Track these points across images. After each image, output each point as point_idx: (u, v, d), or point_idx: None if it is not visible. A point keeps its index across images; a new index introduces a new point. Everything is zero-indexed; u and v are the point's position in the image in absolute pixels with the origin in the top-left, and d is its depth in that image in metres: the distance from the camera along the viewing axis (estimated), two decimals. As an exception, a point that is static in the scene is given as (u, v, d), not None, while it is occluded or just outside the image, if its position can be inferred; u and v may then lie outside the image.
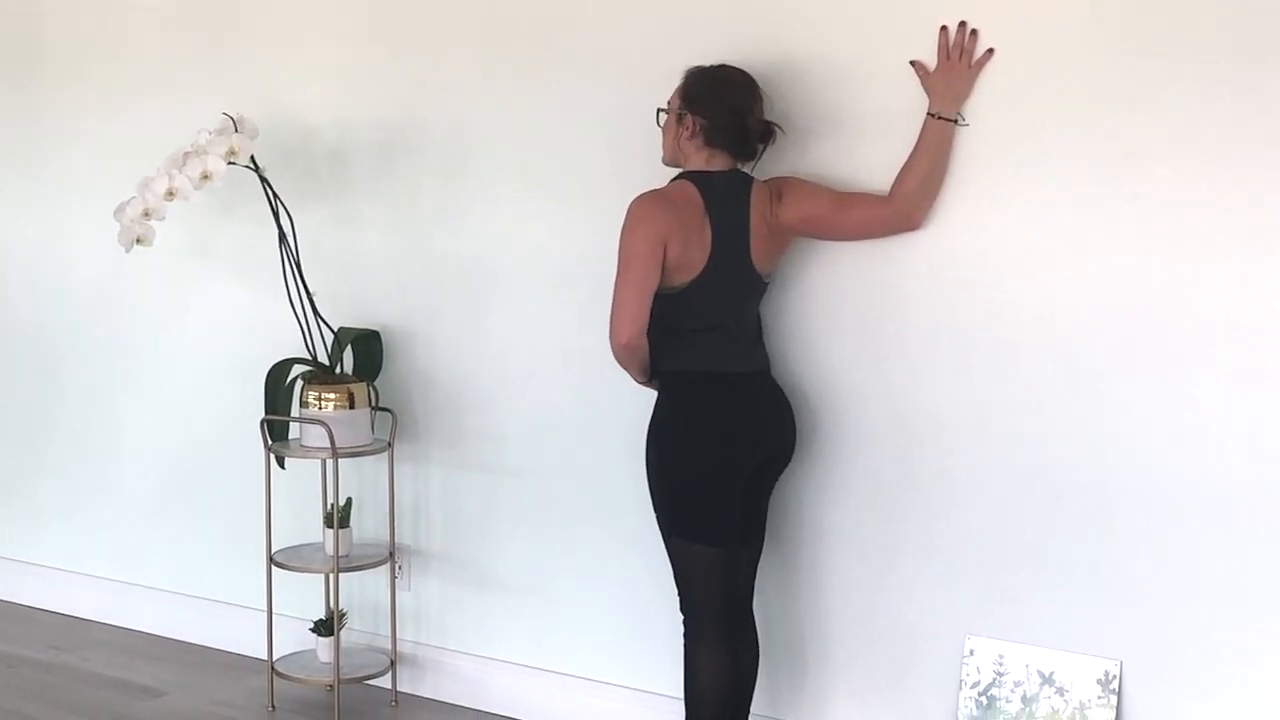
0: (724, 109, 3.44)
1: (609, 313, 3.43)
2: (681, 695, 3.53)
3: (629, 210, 3.42)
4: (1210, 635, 3.28)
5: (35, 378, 5.25)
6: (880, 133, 3.51)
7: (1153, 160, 3.25)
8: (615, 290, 3.42)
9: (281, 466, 4.34)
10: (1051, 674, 3.43)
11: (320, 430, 4.11)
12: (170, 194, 4.05)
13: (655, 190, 3.48)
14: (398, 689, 4.38)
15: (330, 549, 4.23)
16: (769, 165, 3.58)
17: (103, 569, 5.12)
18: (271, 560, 4.28)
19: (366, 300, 4.41)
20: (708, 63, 3.52)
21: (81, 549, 5.18)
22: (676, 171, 3.53)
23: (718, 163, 3.47)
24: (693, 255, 3.40)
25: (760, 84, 3.50)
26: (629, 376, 3.60)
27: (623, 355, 3.49)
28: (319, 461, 4.30)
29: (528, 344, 4.16)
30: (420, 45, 4.27)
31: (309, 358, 4.26)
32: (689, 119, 3.47)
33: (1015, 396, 3.45)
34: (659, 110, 3.56)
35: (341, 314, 4.39)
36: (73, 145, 5.04)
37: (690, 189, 3.44)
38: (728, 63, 3.52)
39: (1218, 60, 3.16)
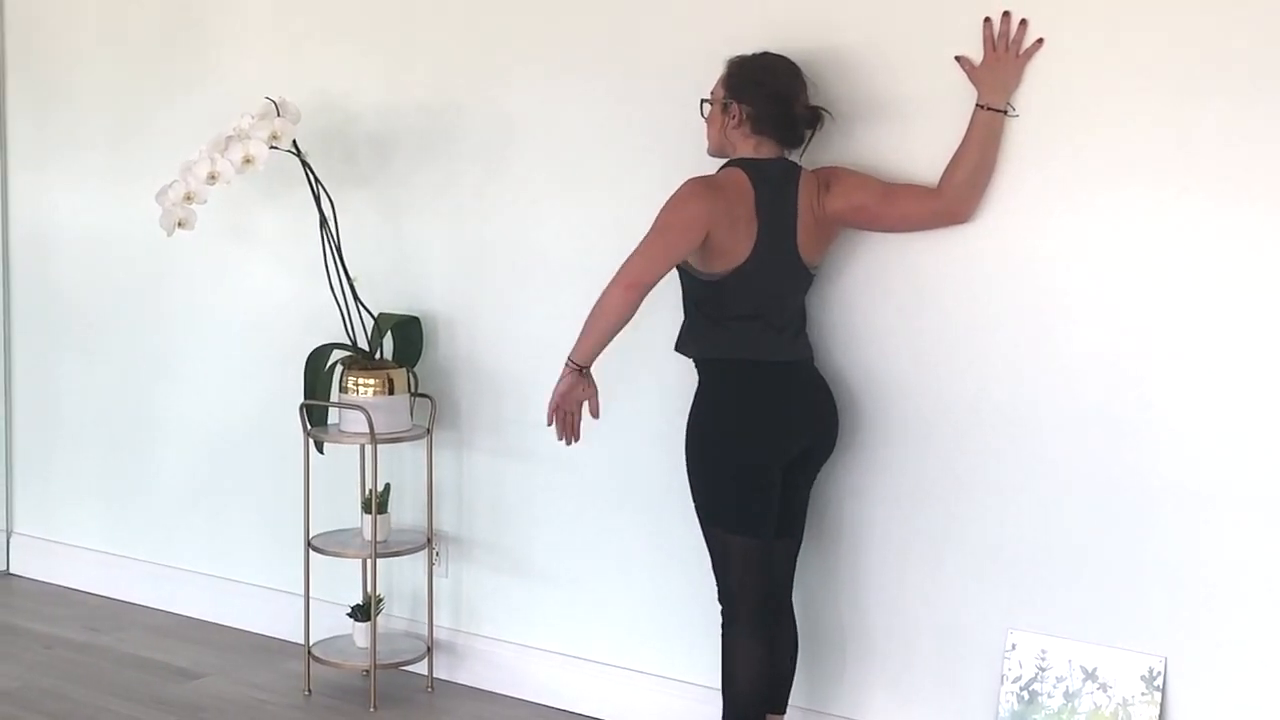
0: (769, 96, 3.43)
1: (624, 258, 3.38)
2: (719, 686, 3.52)
3: (677, 189, 3.41)
4: (1257, 632, 3.25)
5: (76, 360, 5.27)
6: (929, 120, 3.49)
7: (1203, 153, 3.21)
8: (641, 244, 3.38)
9: (320, 451, 4.34)
10: (1095, 669, 3.41)
11: (359, 416, 4.11)
12: (212, 178, 4.05)
13: (706, 175, 3.46)
14: (434, 675, 4.38)
15: (368, 534, 4.24)
16: (815, 154, 3.56)
17: (141, 551, 5.14)
18: (309, 545, 4.28)
19: (406, 286, 4.41)
20: (752, 50, 3.50)
21: (120, 531, 5.20)
22: (721, 161, 3.52)
23: (765, 150, 3.46)
24: (738, 242, 3.39)
25: (804, 70, 3.48)
26: (596, 340, 3.43)
27: (616, 299, 3.36)
28: (357, 447, 4.31)
29: (567, 331, 4.10)
30: (462, 32, 4.26)
31: (349, 343, 4.26)
32: (734, 108, 3.45)
33: (1059, 391, 3.42)
34: (702, 101, 3.55)
35: (381, 299, 4.38)
36: (118, 128, 5.06)
37: (741, 176, 3.42)
38: (770, 50, 3.50)
39: (1271, 50, 3.12)
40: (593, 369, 3.48)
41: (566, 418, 3.55)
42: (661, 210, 3.40)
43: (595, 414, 3.58)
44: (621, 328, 3.43)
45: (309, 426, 4.26)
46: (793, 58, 3.49)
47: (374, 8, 4.43)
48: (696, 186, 3.41)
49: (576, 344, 3.48)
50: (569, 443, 3.58)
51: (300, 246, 4.49)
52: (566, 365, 3.50)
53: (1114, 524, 3.38)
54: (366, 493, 4.29)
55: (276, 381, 4.65)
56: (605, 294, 3.40)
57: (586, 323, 3.44)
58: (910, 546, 3.65)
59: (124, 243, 5.04)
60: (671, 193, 3.41)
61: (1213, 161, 3.21)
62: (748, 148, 3.46)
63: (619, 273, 3.39)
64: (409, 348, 4.34)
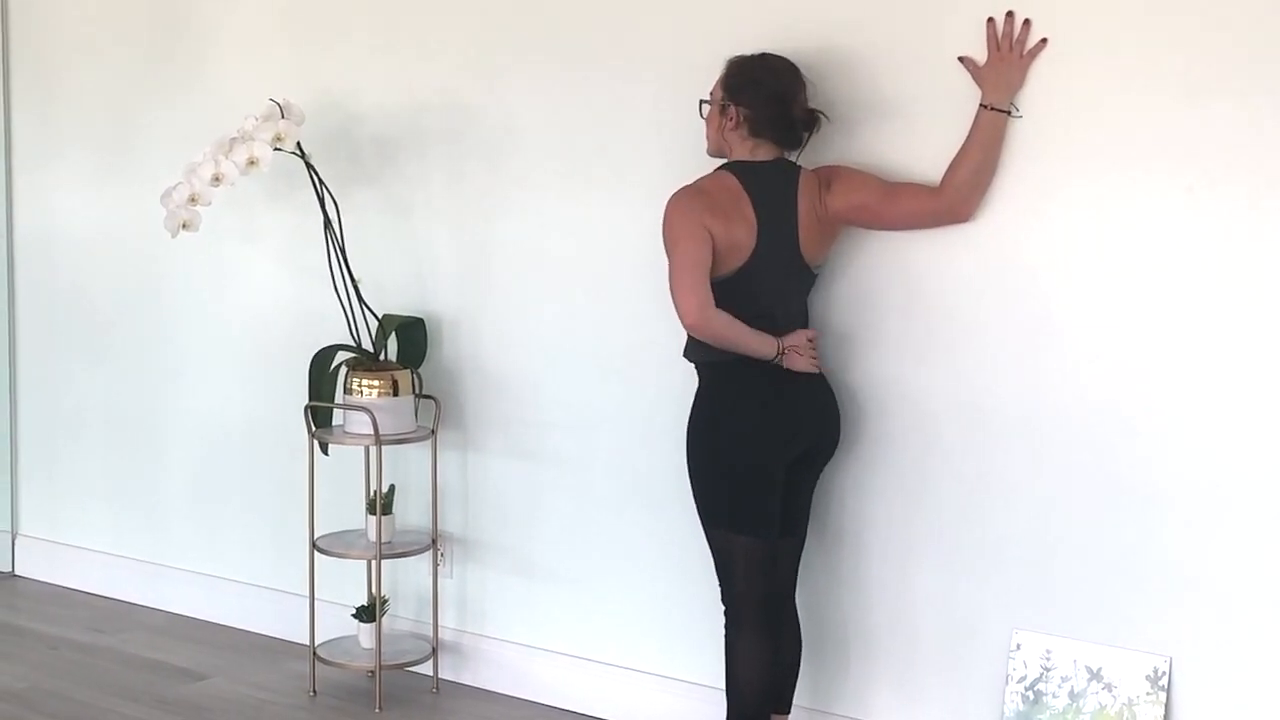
0: (767, 98, 3.43)
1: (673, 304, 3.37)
2: (724, 686, 3.52)
3: (665, 207, 3.42)
4: (1262, 631, 3.25)
5: (81, 362, 5.27)
6: (931, 121, 3.49)
7: (1208, 153, 3.21)
8: (669, 278, 3.38)
9: (325, 453, 4.34)
10: (1100, 669, 3.41)
11: (364, 417, 4.12)
12: (216, 179, 4.06)
13: (687, 185, 3.47)
14: (439, 676, 4.38)
15: (373, 535, 4.24)
16: (816, 154, 3.56)
17: (145, 552, 5.15)
18: (314, 546, 4.29)
19: (411, 287, 4.41)
20: (753, 50, 3.50)
21: (124, 532, 5.20)
22: (720, 162, 3.52)
23: (763, 152, 3.46)
24: (737, 240, 3.39)
25: (804, 71, 3.49)
26: (746, 340, 3.40)
27: (706, 331, 3.36)
28: (362, 448, 4.31)
29: (572, 332, 4.15)
30: (465, 32, 4.27)
31: (353, 344, 4.27)
32: (732, 110, 3.45)
33: (1062, 390, 3.42)
34: (701, 102, 3.55)
35: (386, 301, 4.39)
36: (122, 129, 5.06)
37: (728, 178, 3.43)
38: (770, 51, 3.50)
39: (1277, 49, 3.12)
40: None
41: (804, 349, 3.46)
42: (665, 236, 3.41)
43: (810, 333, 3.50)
44: (742, 325, 3.36)
45: (314, 428, 4.27)
46: (794, 58, 3.49)
47: (377, 8, 4.44)
48: (681, 196, 3.43)
49: (754, 351, 3.39)
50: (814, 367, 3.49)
51: (304, 248, 4.49)
52: (774, 358, 3.40)
53: (1118, 523, 3.39)
54: (371, 494, 4.29)
55: (281, 383, 4.65)
56: (707, 337, 3.38)
57: (736, 346, 3.39)
58: (914, 546, 3.65)
59: (129, 244, 5.05)
60: (664, 212, 3.41)
61: (1217, 162, 3.20)
62: (745, 150, 3.46)
63: (682, 317, 3.35)
64: (413, 349, 4.34)
